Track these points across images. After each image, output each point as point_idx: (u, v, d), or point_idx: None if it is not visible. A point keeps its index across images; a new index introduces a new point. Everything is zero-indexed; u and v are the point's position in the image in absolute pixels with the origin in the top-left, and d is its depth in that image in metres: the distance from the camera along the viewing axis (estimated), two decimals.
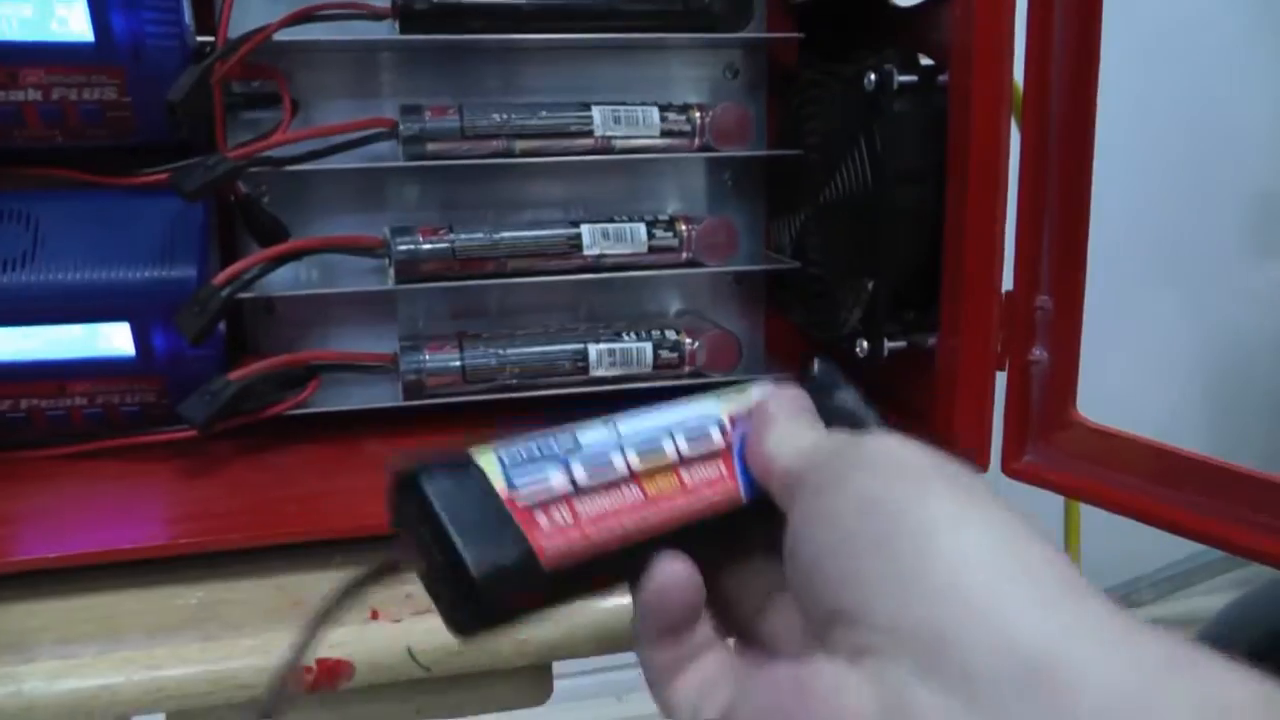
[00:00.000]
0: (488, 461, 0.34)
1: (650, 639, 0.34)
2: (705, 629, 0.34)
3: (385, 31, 0.62)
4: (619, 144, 0.64)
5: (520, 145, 0.63)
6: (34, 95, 0.58)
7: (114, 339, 0.60)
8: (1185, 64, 1.48)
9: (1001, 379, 0.59)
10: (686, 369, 0.66)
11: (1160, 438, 0.55)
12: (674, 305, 0.73)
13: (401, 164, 0.63)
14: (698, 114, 0.66)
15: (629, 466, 0.34)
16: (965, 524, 0.27)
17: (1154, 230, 1.45)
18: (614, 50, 0.68)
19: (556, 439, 0.35)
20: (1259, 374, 1.67)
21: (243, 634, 0.47)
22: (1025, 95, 0.57)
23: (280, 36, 0.59)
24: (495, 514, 0.32)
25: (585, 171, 0.70)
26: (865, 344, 0.61)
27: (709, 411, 0.37)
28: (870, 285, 0.61)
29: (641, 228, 0.65)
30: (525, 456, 0.34)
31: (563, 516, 0.33)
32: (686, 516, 0.34)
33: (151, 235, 0.59)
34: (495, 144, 0.63)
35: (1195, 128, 1.51)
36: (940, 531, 0.27)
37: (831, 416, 0.37)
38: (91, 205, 0.60)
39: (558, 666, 0.50)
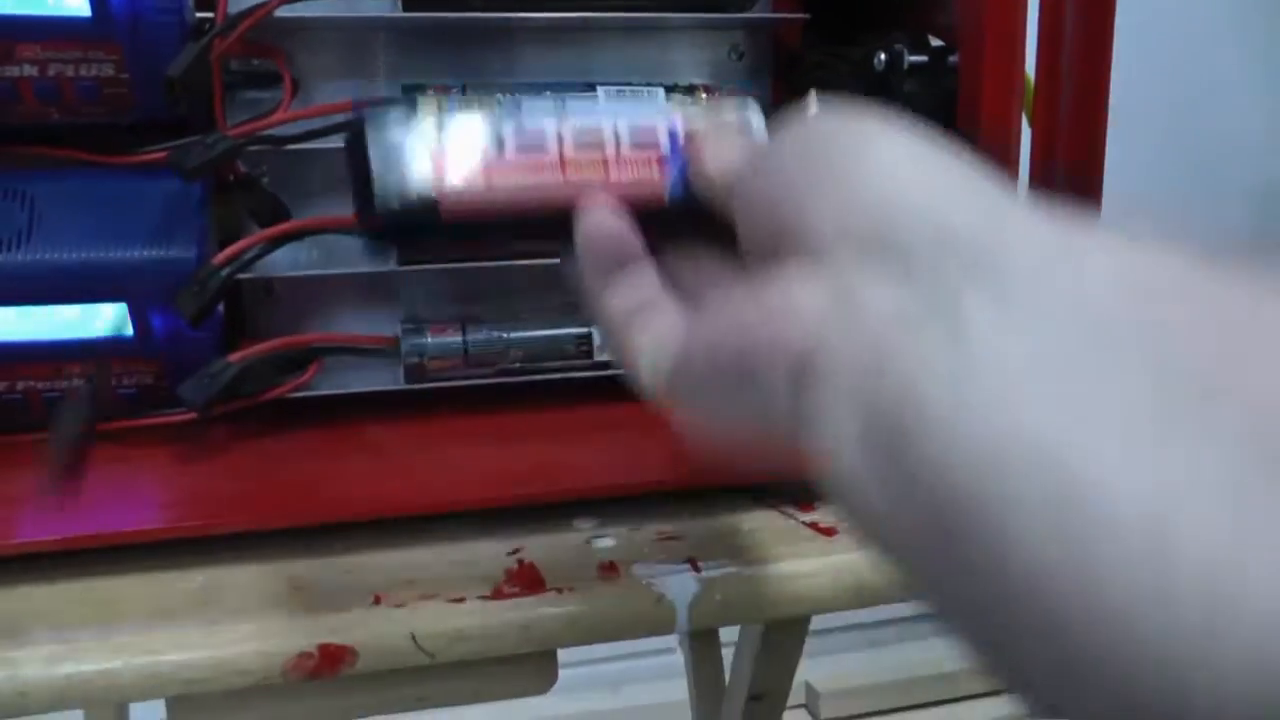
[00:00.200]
0: (428, 108, 0.37)
1: (595, 283, 0.37)
2: (652, 280, 0.36)
3: (387, 9, 0.61)
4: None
5: None
6: (29, 71, 0.57)
7: (111, 320, 0.59)
8: (1186, 54, 1.48)
9: None
10: None
11: None
12: None
13: None
14: (704, 95, 0.65)
15: (560, 151, 0.37)
16: (895, 136, 0.30)
17: (1155, 226, 1.44)
18: (616, 31, 0.67)
19: (503, 102, 0.38)
20: None
21: (244, 619, 0.46)
22: (1036, 83, 0.56)
23: (281, 13, 0.58)
24: (415, 156, 0.36)
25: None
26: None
27: (661, 113, 0.39)
28: None
29: None
30: (464, 109, 0.37)
31: (474, 172, 0.36)
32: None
33: (150, 215, 0.59)
34: None
35: (1198, 120, 1.50)
36: (873, 141, 0.29)
37: None
38: (88, 184, 0.59)
39: None
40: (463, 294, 0.68)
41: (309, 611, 0.46)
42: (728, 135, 0.39)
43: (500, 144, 0.37)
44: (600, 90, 0.42)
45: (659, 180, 0.38)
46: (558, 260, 0.64)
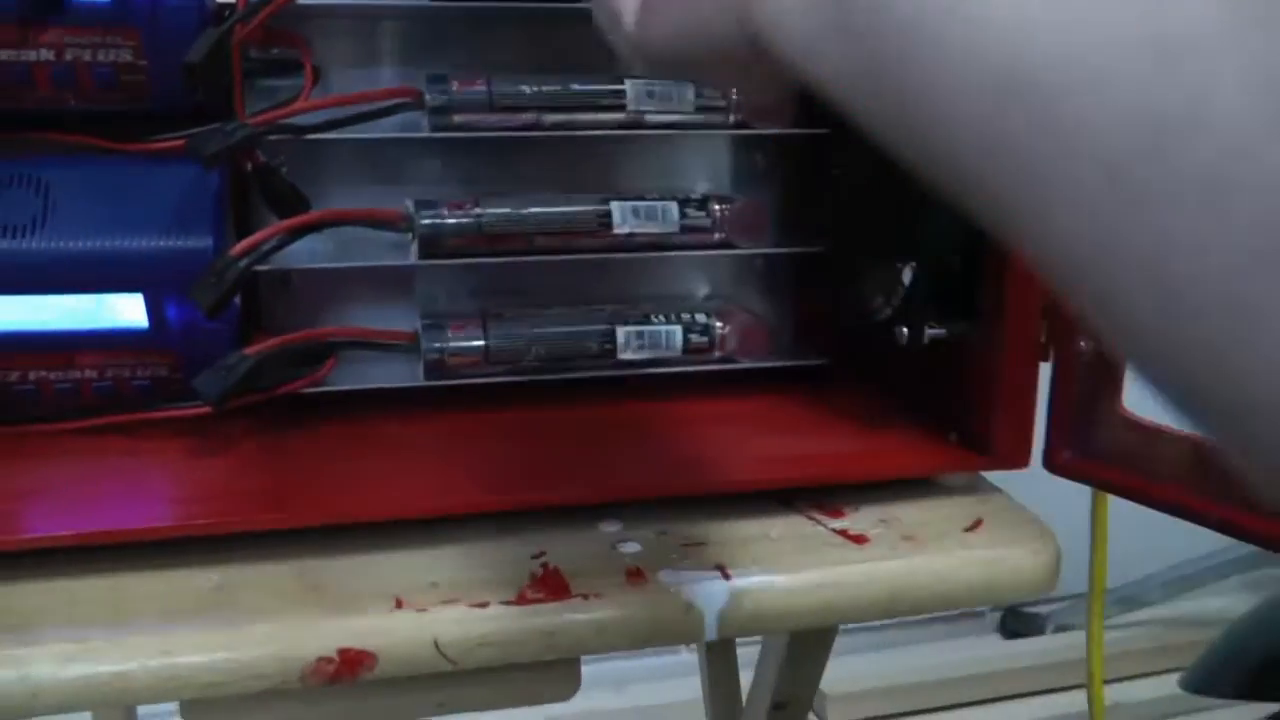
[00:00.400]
0: None
1: None
2: None
3: None
4: (651, 119, 0.62)
5: (550, 119, 0.61)
6: (46, 56, 0.55)
7: (126, 310, 0.58)
8: None
9: (1045, 370, 0.57)
10: (716, 354, 0.64)
11: None
12: (698, 286, 0.71)
13: (428, 135, 0.60)
14: (734, 90, 0.63)
15: None
16: None
17: None
18: None
19: None
20: None
21: (260, 620, 0.45)
22: None
23: (302, 0, 0.57)
24: None
25: (613, 148, 0.67)
26: (906, 331, 0.58)
27: None
28: (909, 270, 0.59)
29: (674, 206, 0.63)
30: None
31: None
32: None
33: (166, 203, 0.57)
34: (525, 117, 0.61)
35: None
36: None
37: None
38: (104, 171, 0.58)
39: None
40: (481, 290, 0.67)
41: (328, 614, 0.45)
42: None
43: None
44: None
45: None
46: (578, 256, 0.63)
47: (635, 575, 0.47)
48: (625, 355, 0.62)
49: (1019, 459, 0.57)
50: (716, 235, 0.64)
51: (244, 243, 0.56)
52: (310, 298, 0.64)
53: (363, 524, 0.51)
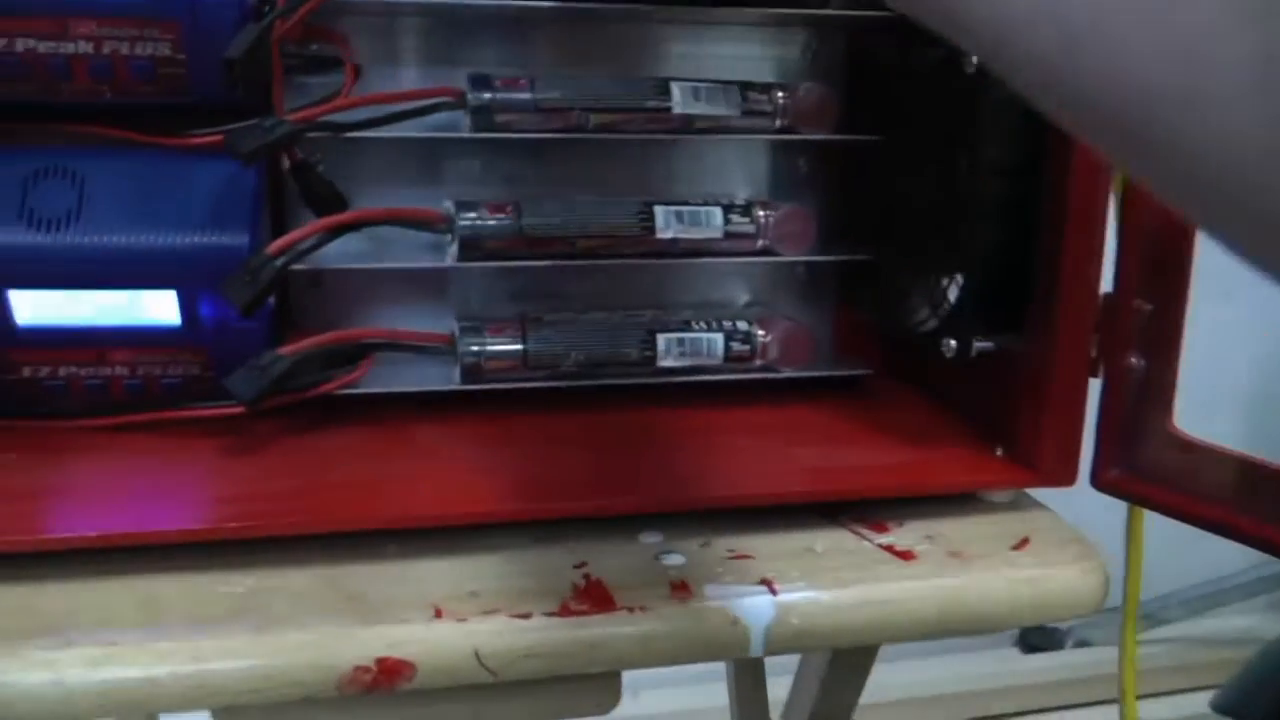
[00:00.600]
0: None
1: None
2: None
3: None
4: (699, 123, 0.61)
5: (595, 120, 0.60)
6: (84, 48, 0.55)
7: (158, 307, 0.57)
8: None
9: (1094, 386, 0.56)
10: (758, 362, 0.63)
11: None
12: (738, 293, 0.69)
13: (470, 135, 0.59)
14: (780, 95, 0.62)
15: None
16: None
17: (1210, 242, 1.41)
18: (687, 25, 0.65)
19: None
20: None
21: (294, 628, 0.44)
22: None
23: None
24: None
25: (654, 150, 0.66)
26: (953, 343, 0.57)
27: None
28: (957, 281, 0.57)
29: (718, 212, 0.62)
30: None
31: None
32: None
33: (202, 199, 0.56)
34: (569, 118, 0.60)
35: None
36: None
37: None
38: (140, 165, 0.57)
39: None
40: (518, 293, 0.66)
41: (365, 622, 0.44)
42: None
43: None
44: None
45: None
46: (620, 261, 0.62)
47: (680, 589, 0.46)
48: (665, 362, 0.61)
49: (1066, 476, 0.56)
50: (760, 242, 0.63)
51: (280, 241, 0.55)
52: (341, 297, 0.63)
53: (396, 530, 0.50)
